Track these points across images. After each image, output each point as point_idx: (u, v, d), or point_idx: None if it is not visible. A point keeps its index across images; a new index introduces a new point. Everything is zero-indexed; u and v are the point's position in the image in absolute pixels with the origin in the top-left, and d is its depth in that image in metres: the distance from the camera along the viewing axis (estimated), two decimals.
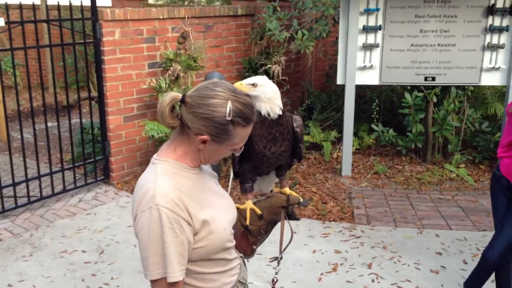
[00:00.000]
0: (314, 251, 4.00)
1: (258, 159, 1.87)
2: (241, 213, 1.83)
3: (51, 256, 3.91)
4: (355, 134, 5.91)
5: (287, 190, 1.93)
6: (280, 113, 1.83)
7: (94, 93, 6.25)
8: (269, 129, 1.82)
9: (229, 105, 1.46)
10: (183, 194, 1.49)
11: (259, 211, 1.84)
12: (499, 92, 6.09)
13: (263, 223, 1.85)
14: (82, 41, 5.11)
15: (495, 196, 3.12)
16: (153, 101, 5.41)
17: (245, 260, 1.84)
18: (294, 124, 1.87)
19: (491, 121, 5.92)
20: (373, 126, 6.03)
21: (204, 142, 1.50)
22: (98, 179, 5.30)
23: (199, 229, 1.50)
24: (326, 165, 5.88)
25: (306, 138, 5.94)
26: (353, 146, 5.73)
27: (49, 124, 6.26)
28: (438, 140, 5.88)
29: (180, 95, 1.52)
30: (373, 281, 3.60)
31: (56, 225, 4.44)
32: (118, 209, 4.77)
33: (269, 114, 1.80)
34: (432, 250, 4.06)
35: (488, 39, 5.26)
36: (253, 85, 1.78)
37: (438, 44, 5.33)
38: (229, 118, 1.45)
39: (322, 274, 3.67)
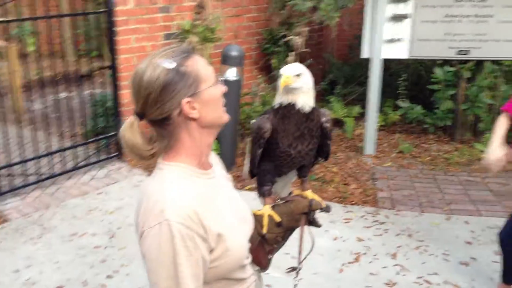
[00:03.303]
0: (335, 239, 3.78)
1: (281, 159, 1.64)
2: (257, 220, 1.60)
3: (60, 239, 3.77)
4: (379, 109, 5.61)
5: (309, 193, 1.69)
6: (314, 105, 1.60)
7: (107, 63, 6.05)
8: (297, 124, 1.59)
9: (156, 62, 1.26)
10: (197, 204, 1.26)
11: (278, 218, 1.61)
12: None
13: (281, 231, 1.63)
14: (93, 11, 4.85)
15: None
16: None
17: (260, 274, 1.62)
18: (323, 119, 1.64)
19: None
20: (399, 102, 5.71)
21: (191, 107, 1.27)
22: (111, 155, 5.12)
23: (215, 246, 1.28)
24: (348, 142, 5.61)
25: None
26: (377, 122, 5.43)
27: (63, 94, 6.09)
28: (468, 118, 5.54)
29: (132, 116, 1.31)
30: (398, 273, 3.37)
31: (66, 205, 4.29)
32: (130, 188, 4.60)
33: (304, 108, 1.58)
34: (461, 239, 3.80)
35: None
36: (298, 75, 1.55)
37: (475, 15, 4.94)
38: (173, 65, 1.25)
39: (343, 264, 3.46)
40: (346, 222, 4.02)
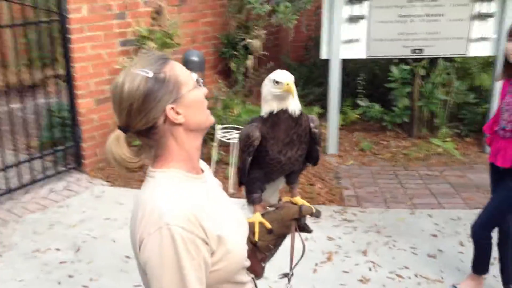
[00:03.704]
0: (306, 239, 3.77)
1: (271, 166, 1.63)
2: (248, 227, 1.58)
3: (23, 256, 3.60)
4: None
5: (298, 199, 1.68)
6: (301, 109, 1.60)
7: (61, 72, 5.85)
8: (287, 130, 1.58)
9: (134, 73, 1.25)
10: (195, 207, 1.24)
11: (269, 225, 1.60)
12: (486, 62, 5.90)
13: (272, 238, 1.62)
14: (46, 19, 4.68)
15: (489, 174, 3.10)
16: None
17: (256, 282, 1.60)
18: (312, 124, 1.64)
19: (477, 93, 5.76)
20: (359, 101, 5.82)
21: (176, 112, 1.26)
22: (69, 167, 4.95)
23: (215, 248, 1.27)
24: None
25: None
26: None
27: (14, 106, 5.85)
28: (424, 114, 5.70)
29: (118, 130, 1.29)
30: (370, 269, 3.42)
31: (25, 221, 4.11)
32: (92, 200, 4.46)
33: (295, 112, 1.58)
34: (427, 232, 3.90)
35: (477, 8, 5.04)
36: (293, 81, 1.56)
37: (426, 15, 5.09)
38: (151, 74, 1.24)
39: (316, 264, 3.47)
40: (315, 222, 4.03)
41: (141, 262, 1.24)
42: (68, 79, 4.81)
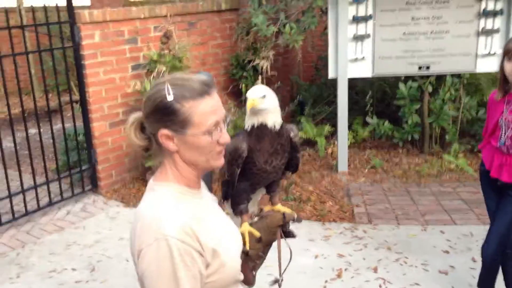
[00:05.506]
0: (316, 256, 3.82)
1: (257, 176, 1.72)
2: None
3: (40, 276, 3.70)
4: (349, 127, 5.73)
5: (280, 207, 1.78)
6: (281, 122, 1.70)
7: (76, 96, 6.00)
8: (271, 142, 1.69)
9: (166, 85, 1.30)
10: (192, 221, 1.31)
11: (258, 234, 1.68)
12: (495, 78, 5.92)
13: (261, 246, 1.69)
14: (60, 46, 4.85)
15: (484, 191, 3.07)
16: (139, 105, 5.16)
17: None
18: (291, 134, 1.75)
19: None
20: (368, 119, 5.86)
21: (168, 138, 1.32)
22: (85, 189, 5.07)
23: (210, 261, 1.33)
24: (322, 161, 5.70)
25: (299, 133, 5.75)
26: (347, 140, 5.55)
27: (32, 131, 6.02)
28: (435, 131, 5.73)
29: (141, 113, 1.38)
30: (380, 286, 3.43)
31: (43, 242, 4.21)
32: (108, 221, 4.56)
33: (274, 126, 1.67)
34: (439, 248, 3.90)
35: (482, 24, 5.09)
36: (263, 97, 1.64)
37: (431, 32, 5.14)
38: (171, 98, 1.29)
39: (326, 281, 3.49)
40: (325, 240, 4.07)
41: (138, 272, 1.30)
42: (83, 103, 4.95)
